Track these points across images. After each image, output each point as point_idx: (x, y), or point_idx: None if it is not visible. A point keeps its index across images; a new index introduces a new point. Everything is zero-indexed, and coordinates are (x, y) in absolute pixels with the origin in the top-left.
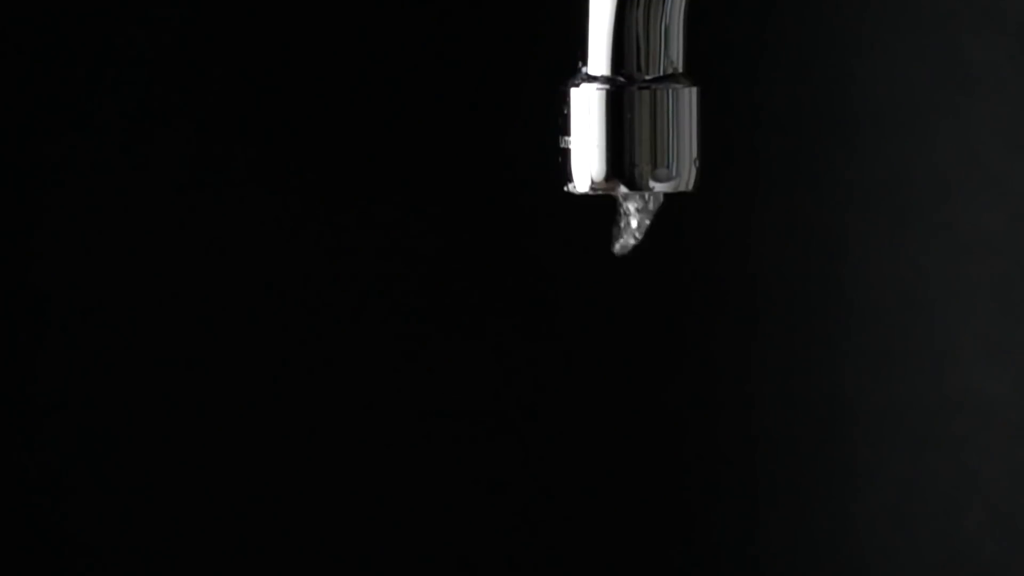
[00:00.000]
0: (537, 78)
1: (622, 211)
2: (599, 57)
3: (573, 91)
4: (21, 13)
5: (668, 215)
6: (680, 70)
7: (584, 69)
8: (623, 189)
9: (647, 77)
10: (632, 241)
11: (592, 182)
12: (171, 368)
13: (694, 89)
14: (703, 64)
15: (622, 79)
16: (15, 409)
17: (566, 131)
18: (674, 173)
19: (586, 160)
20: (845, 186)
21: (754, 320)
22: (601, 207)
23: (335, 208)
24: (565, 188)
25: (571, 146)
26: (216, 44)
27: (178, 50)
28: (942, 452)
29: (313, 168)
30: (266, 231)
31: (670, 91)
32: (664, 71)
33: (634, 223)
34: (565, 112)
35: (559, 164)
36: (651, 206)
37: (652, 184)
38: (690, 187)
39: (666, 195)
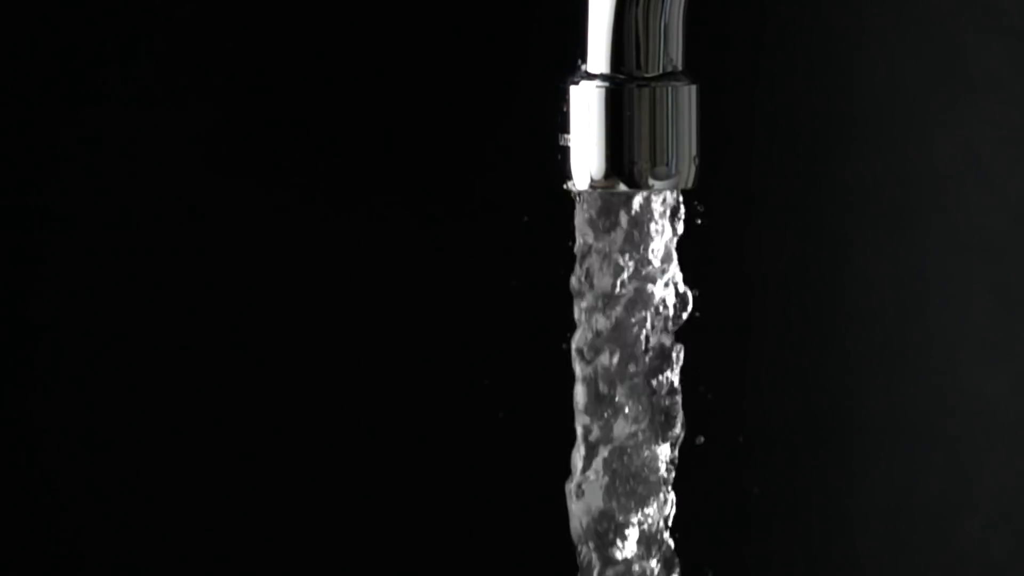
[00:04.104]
0: (536, 75)
1: None
2: (598, 55)
3: (572, 88)
4: (20, 11)
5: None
6: (679, 68)
7: (583, 67)
8: (622, 187)
9: (646, 75)
10: None
11: (591, 180)
12: (170, 368)
13: (693, 87)
14: (702, 62)
15: (621, 77)
16: (14, 410)
17: (565, 129)
18: (673, 171)
19: (585, 158)
20: (844, 185)
21: (752, 319)
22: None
23: (330, 206)
24: (564, 186)
25: (570, 144)
26: (214, 43)
27: (177, 49)
28: (942, 452)
29: (309, 167)
30: (263, 231)
31: (669, 89)
32: (663, 69)
33: None
34: (564, 110)
35: (558, 162)
36: None
37: (651, 182)
38: (689, 185)
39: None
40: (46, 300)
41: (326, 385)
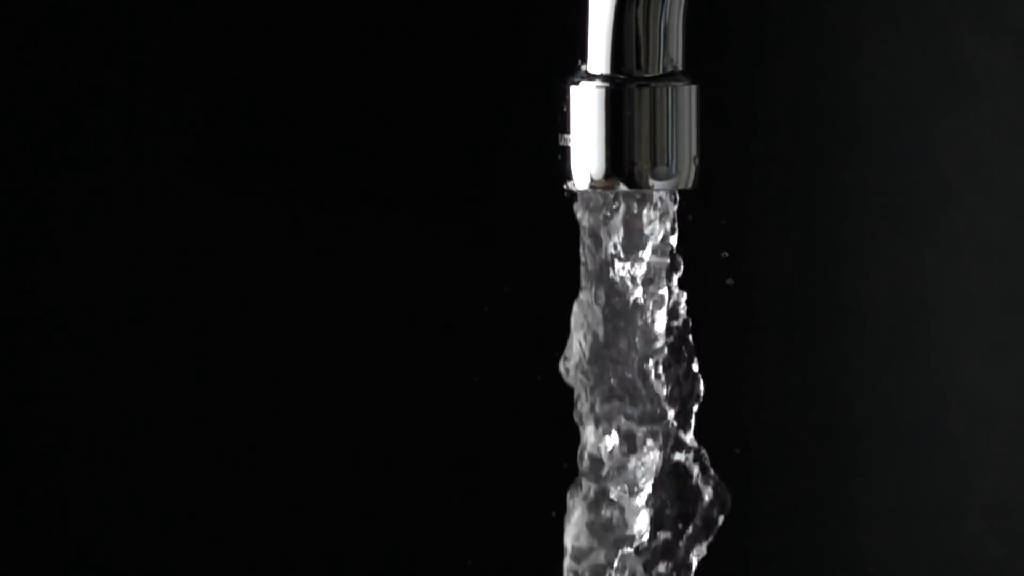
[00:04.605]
0: (536, 76)
1: None
2: (599, 55)
3: (572, 89)
4: (20, 13)
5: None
6: (679, 68)
7: (583, 67)
8: (622, 187)
9: (646, 75)
10: None
11: (591, 180)
12: (170, 369)
13: (693, 87)
14: (702, 62)
15: (621, 77)
16: (14, 411)
17: (565, 129)
18: (673, 171)
19: (585, 158)
20: (844, 186)
21: (753, 320)
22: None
23: (329, 207)
24: (564, 186)
25: (570, 144)
26: (215, 44)
27: (177, 50)
28: (942, 452)
29: (308, 167)
30: (263, 232)
31: (669, 89)
32: (664, 69)
33: None
34: (564, 110)
35: (558, 162)
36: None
37: (651, 182)
38: (689, 185)
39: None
40: (44, 299)
41: (324, 385)
